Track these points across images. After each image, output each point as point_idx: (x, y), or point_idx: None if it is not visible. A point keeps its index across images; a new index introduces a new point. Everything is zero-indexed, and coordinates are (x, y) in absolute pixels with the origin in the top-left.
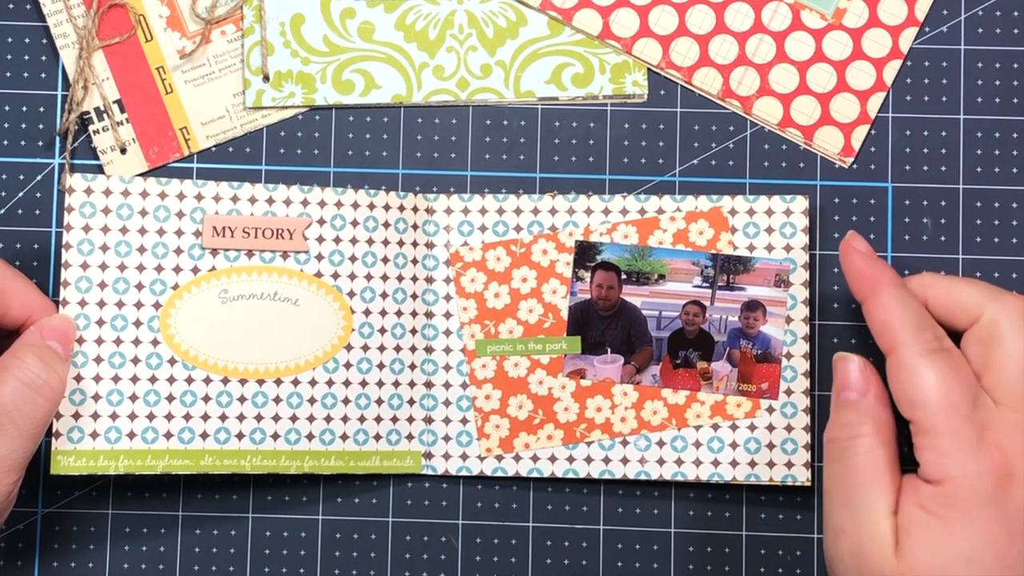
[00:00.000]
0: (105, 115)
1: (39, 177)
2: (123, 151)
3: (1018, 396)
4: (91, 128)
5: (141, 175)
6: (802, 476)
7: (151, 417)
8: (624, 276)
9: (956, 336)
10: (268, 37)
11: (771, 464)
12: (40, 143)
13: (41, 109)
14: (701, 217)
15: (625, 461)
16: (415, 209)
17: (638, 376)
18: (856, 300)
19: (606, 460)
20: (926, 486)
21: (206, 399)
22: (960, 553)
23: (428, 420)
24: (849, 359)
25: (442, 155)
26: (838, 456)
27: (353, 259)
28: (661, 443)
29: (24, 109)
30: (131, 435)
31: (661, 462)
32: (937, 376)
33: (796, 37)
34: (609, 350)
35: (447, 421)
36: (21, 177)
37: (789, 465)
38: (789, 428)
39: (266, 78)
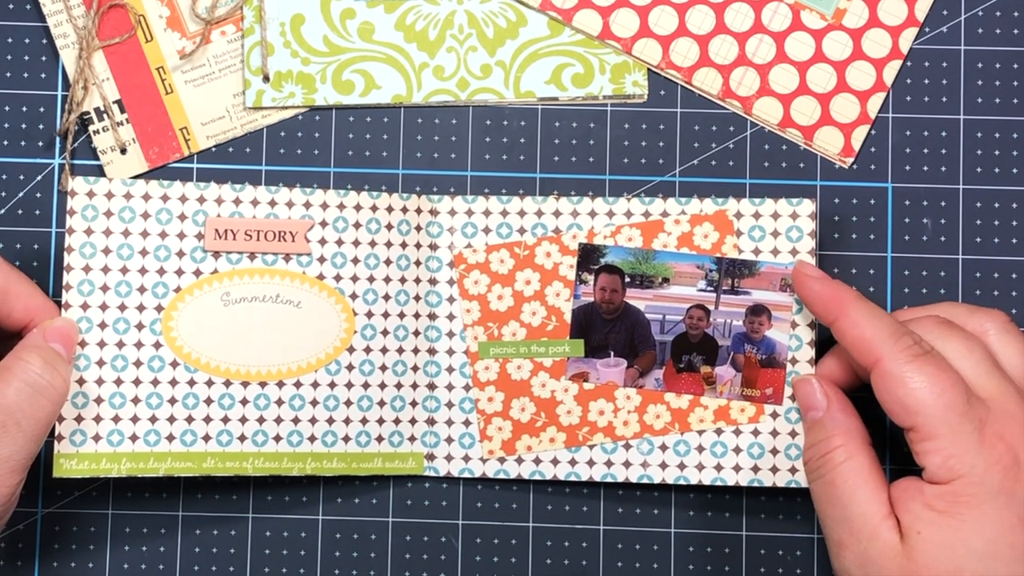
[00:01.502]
0: (105, 115)
1: (39, 177)
2: (123, 151)
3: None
4: (91, 128)
5: (142, 176)
6: (805, 482)
7: (153, 420)
8: (628, 279)
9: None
10: (268, 37)
11: (774, 469)
12: (40, 143)
13: (41, 109)
14: (706, 220)
15: (627, 465)
16: (418, 211)
17: (641, 380)
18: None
19: (608, 463)
20: (932, 486)
21: (208, 401)
22: (973, 548)
23: (430, 422)
24: (806, 381)
25: (442, 155)
26: (817, 475)
27: (355, 261)
28: (664, 447)
29: (24, 109)
30: (133, 438)
31: (663, 466)
32: (928, 380)
33: (796, 37)
34: (612, 353)
35: (449, 423)
36: (21, 177)
37: (793, 471)
38: (793, 433)
39: (266, 78)
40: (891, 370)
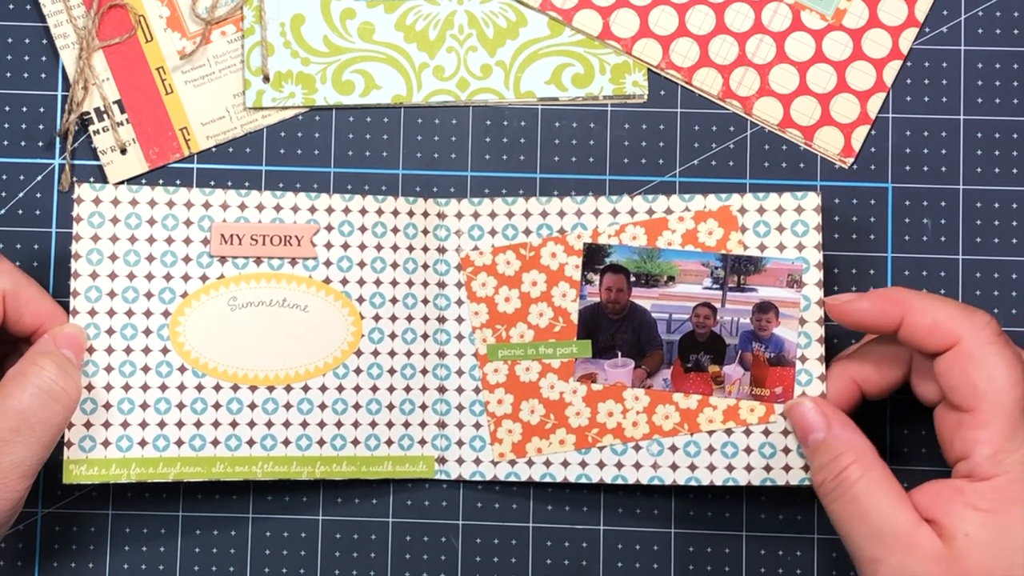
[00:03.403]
0: (105, 115)
1: (39, 177)
2: (123, 151)
3: None
4: (91, 128)
5: (142, 176)
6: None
7: (162, 425)
8: (633, 278)
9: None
10: (268, 37)
11: (787, 468)
12: (40, 143)
13: (41, 109)
14: (710, 217)
15: (638, 466)
16: (425, 214)
17: (649, 380)
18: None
19: (618, 465)
20: (973, 485)
21: (216, 406)
22: (1021, 543)
23: (441, 425)
24: (799, 404)
25: (442, 155)
26: (835, 496)
27: (362, 265)
28: (674, 448)
29: (24, 109)
30: (142, 443)
31: (674, 467)
32: (1007, 368)
33: (796, 37)
34: (619, 354)
35: (460, 426)
36: (21, 177)
37: (806, 468)
38: None
39: (266, 78)
40: (971, 350)
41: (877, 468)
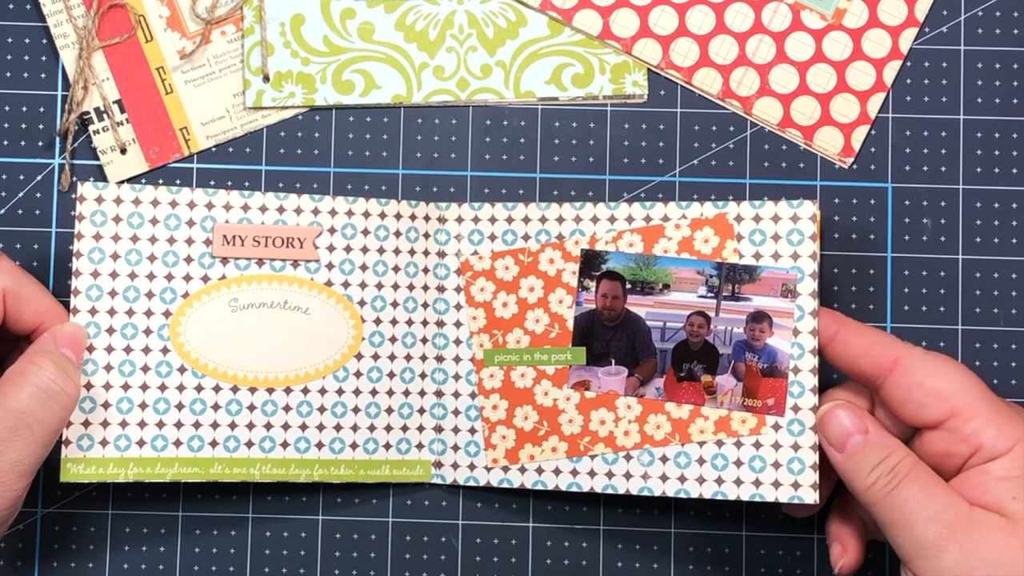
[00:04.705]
0: (105, 115)
1: (39, 177)
2: (123, 151)
3: None
4: (91, 128)
5: (142, 176)
6: (809, 497)
7: (161, 425)
8: (629, 286)
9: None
10: (268, 37)
11: (776, 484)
12: (40, 143)
13: (41, 109)
14: (706, 224)
15: (628, 476)
16: (426, 218)
17: (642, 389)
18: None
19: (609, 475)
20: (995, 462)
21: (215, 407)
22: None
23: (438, 429)
24: (832, 411)
25: (442, 155)
26: (891, 488)
27: (363, 268)
28: (664, 459)
29: (24, 109)
30: (141, 443)
31: (664, 478)
32: (953, 366)
33: (796, 37)
34: (613, 361)
35: (456, 430)
36: (21, 177)
37: (796, 486)
38: (796, 447)
39: (266, 78)
40: (915, 363)
41: (921, 461)
